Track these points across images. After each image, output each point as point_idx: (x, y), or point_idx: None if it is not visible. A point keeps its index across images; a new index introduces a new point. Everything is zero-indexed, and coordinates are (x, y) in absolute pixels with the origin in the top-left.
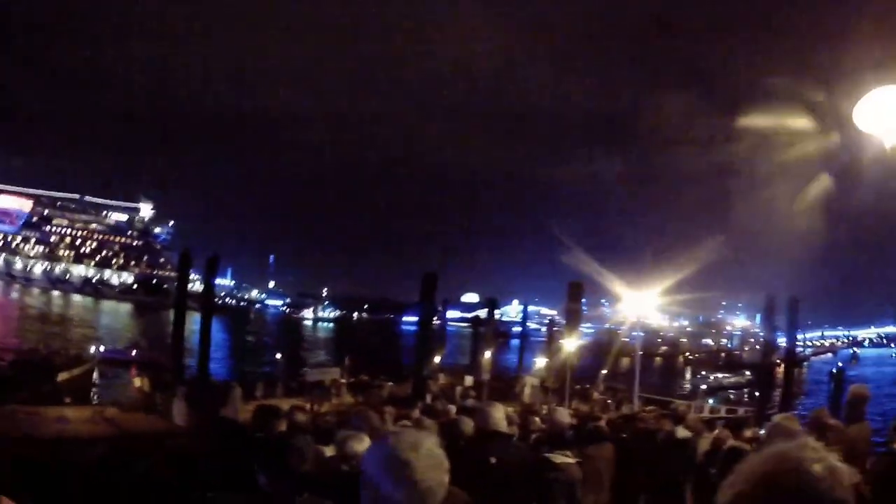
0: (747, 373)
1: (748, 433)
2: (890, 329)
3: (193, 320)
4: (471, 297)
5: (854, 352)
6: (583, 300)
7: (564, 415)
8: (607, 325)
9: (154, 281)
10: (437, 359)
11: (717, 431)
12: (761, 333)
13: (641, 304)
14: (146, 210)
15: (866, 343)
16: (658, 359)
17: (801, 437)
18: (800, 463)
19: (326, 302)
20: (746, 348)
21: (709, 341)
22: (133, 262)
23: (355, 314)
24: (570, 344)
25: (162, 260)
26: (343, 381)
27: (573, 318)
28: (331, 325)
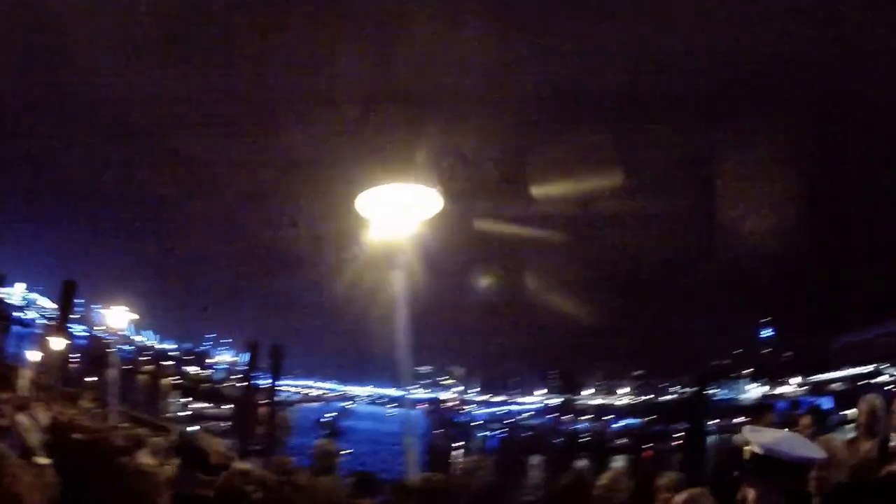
0: (228, 406)
1: None
2: (391, 391)
3: None
4: None
5: (345, 406)
6: (77, 300)
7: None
8: (97, 332)
9: None
10: None
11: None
12: (244, 370)
13: (128, 316)
14: None
15: (361, 399)
16: (143, 377)
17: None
18: None
19: None
20: (227, 383)
21: (193, 369)
22: None
23: None
24: (57, 343)
25: None
26: None
27: (62, 317)
28: None
